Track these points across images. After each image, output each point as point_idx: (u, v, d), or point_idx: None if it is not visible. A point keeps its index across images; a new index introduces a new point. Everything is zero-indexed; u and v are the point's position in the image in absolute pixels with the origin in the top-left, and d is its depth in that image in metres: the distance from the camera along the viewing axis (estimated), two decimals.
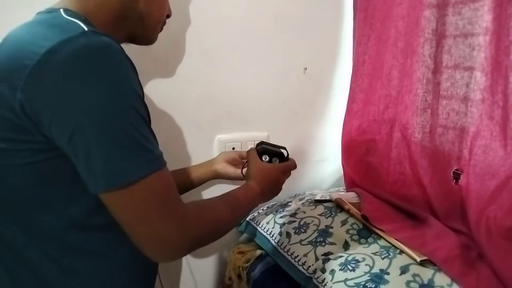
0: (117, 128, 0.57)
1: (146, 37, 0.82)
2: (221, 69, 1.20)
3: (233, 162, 1.10)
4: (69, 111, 0.55)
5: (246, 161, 1.02)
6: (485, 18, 0.90)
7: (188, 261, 1.30)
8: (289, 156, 1.05)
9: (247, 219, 1.27)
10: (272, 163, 1.01)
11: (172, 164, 1.13)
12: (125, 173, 0.57)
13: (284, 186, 1.36)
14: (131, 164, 0.58)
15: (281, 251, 1.07)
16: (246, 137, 1.27)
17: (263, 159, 1.01)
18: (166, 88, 1.13)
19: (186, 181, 1.08)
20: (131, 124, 0.58)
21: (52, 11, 0.66)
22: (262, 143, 1.04)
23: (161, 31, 0.86)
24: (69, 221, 0.65)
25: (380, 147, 1.19)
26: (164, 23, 0.86)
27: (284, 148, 1.04)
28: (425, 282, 0.82)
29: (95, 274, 0.69)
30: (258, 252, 1.19)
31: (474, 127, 0.96)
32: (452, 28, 0.97)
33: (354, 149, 1.29)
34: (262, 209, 1.30)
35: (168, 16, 0.86)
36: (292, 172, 1.37)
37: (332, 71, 1.37)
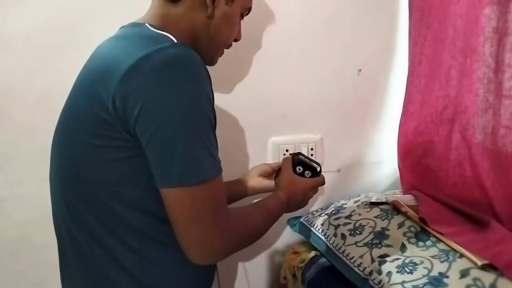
0: (195, 131, 0.63)
1: (208, 59, 0.87)
2: (275, 73, 1.24)
3: (267, 175, 1.14)
4: (155, 110, 0.61)
5: (279, 169, 1.05)
6: None
7: (243, 260, 1.34)
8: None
9: (301, 220, 1.29)
10: (304, 175, 1.05)
11: (229, 166, 1.19)
12: (196, 173, 0.63)
13: (338, 188, 1.39)
14: (201, 166, 0.63)
15: (336, 252, 1.08)
16: (300, 140, 1.29)
17: (297, 169, 1.04)
18: (223, 94, 1.18)
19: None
20: (204, 130, 0.64)
21: (137, 25, 0.74)
22: (298, 153, 1.08)
23: (222, 54, 0.91)
24: (147, 214, 0.70)
25: (438, 149, 1.17)
26: (228, 46, 0.91)
27: (319, 164, 1.07)
28: (487, 286, 0.79)
29: (170, 264, 0.74)
30: (313, 252, 1.21)
31: None
32: None
33: (411, 151, 1.26)
34: (316, 211, 1.31)
35: (236, 40, 0.92)
36: (346, 174, 1.39)
37: (387, 72, 1.36)
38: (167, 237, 0.71)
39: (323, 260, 1.16)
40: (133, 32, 0.72)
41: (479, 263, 0.84)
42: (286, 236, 1.36)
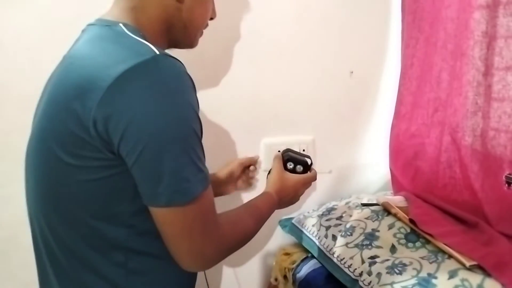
0: (182, 149, 0.61)
1: (188, 42, 0.85)
2: (268, 73, 1.24)
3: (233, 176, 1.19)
4: (139, 131, 0.59)
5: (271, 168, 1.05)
6: None
7: (233, 262, 1.34)
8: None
9: (292, 221, 1.29)
10: (295, 170, 1.04)
11: (220, 167, 1.19)
12: (185, 193, 0.62)
13: (330, 189, 1.39)
14: (189, 184, 0.62)
15: (327, 253, 1.08)
16: (292, 141, 1.29)
17: (288, 165, 1.04)
18: (215, 94, 1.18)
19: None
20: (192, 147, 0.63)
21: (110, 25, 0.69)
22: (288, 150, 1.07)
23: (201, 35, 0.88)
24: (132, 229, 0.69)
25: (429, 151, 1.18)
26: (205, 26, 0.88)
27: (309, 157, 1.06)
28: (474, 287, 0.81)
29: (158, 275, 0.73)
30: (304, 254, 1.22)
31: None
32: (503, 30, 0.94)
33: (402, 152, 1.28)
34: (308, 212, 1.31)
35: (211, 18, 0.88)
36: (338, 175, 1.40)
37: (379, 74, 1.37)
38: (153, 249, 0.70)
39: (314, 261, 1.16)
40: (108, 36, 0.67)
41: (467, 264, 0.85)
42: (277, 238, 1.36)
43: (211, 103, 1.17)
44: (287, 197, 0.99)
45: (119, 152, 0.61)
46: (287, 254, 1.27)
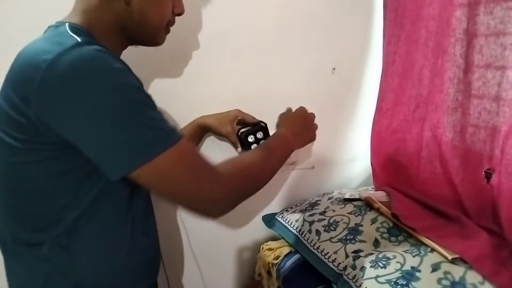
0: (125, 119, 0.63)
1: (150, 41, 0.85)
2: (251, 70, 1.23)
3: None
4: (77, 119, 0.62)
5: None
6: None
7: (216, 257, 1.33)
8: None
9: (276, 217, 1.30)
10: (258, 138, 1.10)
11: None
12: (142, 153, 0.64)
13: (312, 184, 1.40)
14: (146, 144, 0.64)
15: (311, 248, 1.09)
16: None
17: (249, 139, 1.09)
18: (198, 90, 1.17)
19: None
20: (135, 112, 0.64)
21: (59, 25, 0.73)
22: (240, 128, 1.12)
23: (168, 32, 0.87)
24: (74, 210, 0.71)
25: (410, 147, 1.20)
26: (170, 22, 0.86)
27: (261, 122, 1.12)
28: (457, 279, 0.82)
29: (98, 255, 0.75)
30: (287, 249, 1.22)
31: (506, 126, 0.95)
32: (484, 28, 0.96)
33: (383, 148, 1.29)
34: (291, 207, 1.32)
35: (179, 14, 0.87)
36: (320, 171, 1.41)
37: (361, 71, 1.38)
38: (94, 231, 0.73)
39: (297, 256, 1.17)
40: (50, 36, 0.70)
41: (450, 257, 0.87)
42: (261, 233, 1.36)
43: (194, 100, 1.16)
44: (298, 127, 1.07)
45: (66, 138, 0.64)
46: (270, 249, 1.27)
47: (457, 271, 0.84)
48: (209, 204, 0.72)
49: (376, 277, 0.88)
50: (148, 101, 0.68)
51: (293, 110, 1.22)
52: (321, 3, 1.27)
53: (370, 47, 1.37)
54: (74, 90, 0.61)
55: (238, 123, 1.13)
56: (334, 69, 1.33)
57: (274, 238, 1.32)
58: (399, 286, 0.84)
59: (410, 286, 0.83)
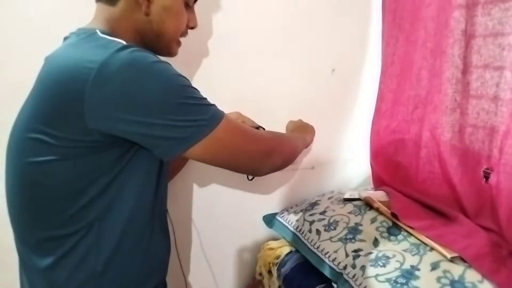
0: (183, 103, 0.70)
1: (164, 51, 0.89)
2: (251, 71, 1.24)
3: None
4: (135, 109, 0.67)
5: None
6: None
7: (218, 257, 1.34)
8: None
9: (276, 217, 1.31)
10: None
11: (201, 166, 1.19)
12: (203, 130, 0.72)
13: (312, 185, 1.41)
14: (202, 120, 0.72)
15: (311, 247, 1.10)
16: None
17: None
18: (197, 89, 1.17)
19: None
20: (187, 97, 0.71)
21: (88, 32, 0.75)
22: None
23: (180, 44, 0.92)
24: (98, 208, 0.74)
25: (409, 147, 1.21)
26: (183, 34, 0.91)
27: (260, 126, 1.17)
28: (456, 278, 0.84)
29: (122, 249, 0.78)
30: (288, 248, 1.23)
31: (504, 126, 0.96)
32: (482, 29, 0.98)
33: (383, 148, 1.30)
34: (291, 207, 1.33)
35: (192, 27, 0.92)
36: (320, 171, 1.43)
37: (360, 72, 1.39)
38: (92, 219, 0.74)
39: (298, 255, 1.18)
40: (88, 39, 0.73)
41: (449, 256, 0.88)
42: (261, 233, 1.37)
43: None
44: (301, 127, 1.19)
45: (118, 131, 0.68)
46: (271, 249, 1.28)
47: (456, 270, 0.85)
48: (263, 160, 0.84)
49: (376, 276, 0.89)
50: (193, 86, 0.74)
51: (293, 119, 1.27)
52: (321, 5, 1.28)
53: (369, 48, 1.38)
54: (130, 85, 0.66)
55: None
56: (334, 70, 1.34)
57: (274, 238, 1.33)
58: (398, 285, 0.85)
59: (409, 284, 0.84)
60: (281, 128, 1.30)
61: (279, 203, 1.39)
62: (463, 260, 0.88)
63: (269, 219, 1.33)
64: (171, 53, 0.91)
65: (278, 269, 1.19)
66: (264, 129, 1.13)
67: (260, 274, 1.29)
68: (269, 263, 1.24)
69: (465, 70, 1.01)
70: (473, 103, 1.02)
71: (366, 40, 1.38)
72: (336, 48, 1.33)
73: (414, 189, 1.19)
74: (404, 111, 1.21)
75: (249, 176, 1.18)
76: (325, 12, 1.29)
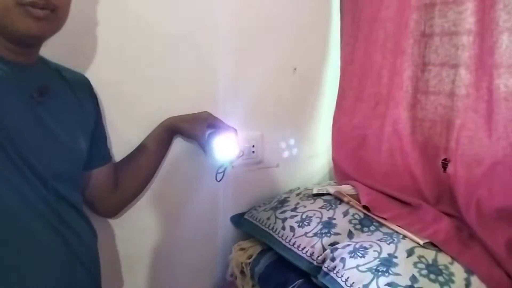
0: None
1: (10, 27, 0.69)
2: (215, 71, 1.23)
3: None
4: None
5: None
6: (468, 20, 0.99)
7: (187, 259, 1.31)
8: None
9: (245, 217, 1.31)
10: (227, 144, 1.09)
11: (167, 166, 1.17)
12: None
13: (277, 182, 1.44)
14: None
15: (287, 244, 1.11)
16: (240, 137, 1.29)
17: (218, 144, 1.07)
18: (163, 93, 1.15)
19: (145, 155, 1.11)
20: None
21: None
22: (209, 132, 1.10)
23: (26, 12, 0.68)
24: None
25: (371, 142, 1.27)
26: (32, 4, 0.68)
27: (232, 127, 1.12)
28: (430, 262, 0.90)
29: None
30: (259, 247, 1.24)
31: (460, 120, 1.05)
32: (438, 29, 1.06)
33: (345, 143, 1.35)
34: (259, 206, 1.33)
35: None
36: (285, 169, 1.45)
37: (321, 71, 1.44)
38: None
39: (270, 253, 1.18)
40: None
41: (421, 242, 0.95)
42: (230, 234, 1.36)
43: (159, 102, 1.14)
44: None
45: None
46: (242, 249, 1.27)
47: (430, 254, 0.92)
48: None
49: (357, 266, 0.93)
50: None
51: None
52: (282, 5, 1.30)
53: (329, 48, 1.43)
54: None
55: (208, 126, 1.12)
56: (295, 69, 1.37)
57: (244, 238, 1.33)
58: (380, 273, 0.89)
59: (390, 271, 0.88)
60: (247, 129, 1.32)
61: (246, 203, 1.39)
62: (433, 245, 0.95)
63: (237, 220, 1.32)
64: (17, 29, 0.69)
65: (252, 269, 1.19)
66: (235, 130, 1.12)
67: (231, 275, 1.28)
68: (242, 263, 1.23)
69: (424, 68, 1.09)
70: (431, 99, 1.10)
71: (327, 39, 1.42)
72: (297, 48, 1.36)
73: (377, 181, 1.25)
74: (366, 107, 1.27)
75: (217, 177, 1.17)
76: (286, 13, 1.32)
